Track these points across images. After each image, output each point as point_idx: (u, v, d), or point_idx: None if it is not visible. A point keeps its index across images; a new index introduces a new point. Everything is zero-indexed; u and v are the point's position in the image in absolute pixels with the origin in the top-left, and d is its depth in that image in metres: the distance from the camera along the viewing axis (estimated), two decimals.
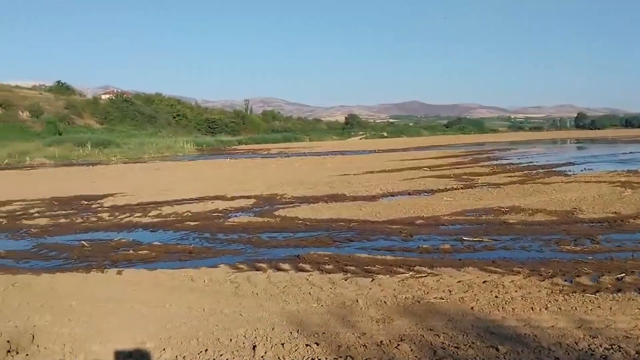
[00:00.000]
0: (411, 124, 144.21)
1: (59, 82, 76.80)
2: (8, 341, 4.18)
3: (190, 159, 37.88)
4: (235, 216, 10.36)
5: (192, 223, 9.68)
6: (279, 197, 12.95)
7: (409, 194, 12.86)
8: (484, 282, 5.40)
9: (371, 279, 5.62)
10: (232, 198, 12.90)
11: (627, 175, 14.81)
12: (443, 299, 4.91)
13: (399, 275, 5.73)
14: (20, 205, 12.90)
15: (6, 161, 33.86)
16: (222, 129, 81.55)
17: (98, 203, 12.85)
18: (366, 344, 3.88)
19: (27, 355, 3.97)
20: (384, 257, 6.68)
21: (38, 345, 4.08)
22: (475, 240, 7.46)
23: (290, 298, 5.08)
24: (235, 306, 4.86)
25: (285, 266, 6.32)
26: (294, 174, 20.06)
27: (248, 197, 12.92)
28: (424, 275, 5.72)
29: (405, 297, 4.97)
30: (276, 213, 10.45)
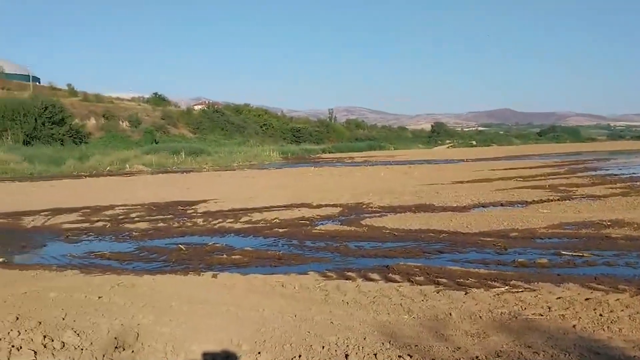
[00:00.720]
0: (501, 132, 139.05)
1: (155, 94, 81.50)
2: (115, 338, 4.47)
3: (276, 167, 38.84)
4: (322, 224, 10.50)
5: (280, 230, 9.92)
6: (365, 206, 12.96)
7: (502, 205, 12.43)
8: (587, 299, 5.11)
9: (464, 292, 5.48)
10: (318, 206, 13.08)
11: None
12: (542, 315, 4.71)
13: (494, 290, 5.55)
14: (122, 209, 13.75)
15: (108, 168, 36.31)
16: (307, 138, 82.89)
17: (192, 209, 13.48)
18: (460, 359, 3.79)
19: (132, 352, 4.21)
20: (477, 270, 6.51)
21: (142, 343, 4.33)
22: (575, 255, 7.08)
23: (381, 308, 5.07)
24: (326, 314, 4.92)
25: (375, 276, 6.32)
26: (380, 182, 19.98)
27: (334, 206, 13.04)
28: (520, 290, 5.51)
29: (501, 312, 4.81)
30: (363, 222, 10.47)
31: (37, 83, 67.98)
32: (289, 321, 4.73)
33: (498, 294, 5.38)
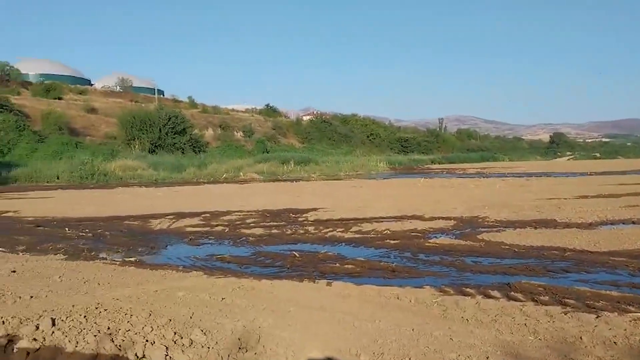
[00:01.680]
0: (629, 143, 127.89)
1: (267, 105, 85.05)
2: (239, 339, 4.65)
3: (383, 177, 38.68)
4: (435, 237, 10.25)
5: (391, 241, 9.83)
6: (480, 219, 12.49)
7: (633, 222, 11.39)
8: None
9: (596, 316, 5.07)
10: (431, 218, 12.80)
11: None
12: None
13: (630, 314, 5.09)
14: (238, 215, 14.40)
15: (224, 175, 38.32)
16: (415, 148, 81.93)
17: (303, 216, 13.79)
18: None
19: (255, 354, 4.34)
20: (608, 292, 6.01)
21: (264, 346, 4.45)
22: None
23: (504, 327, 4.84)
24: (445, 330, 4.78)
25: (495, 293, 6.04)
26: (495, 195, 19.17)
27: (447, 218, 12.69)
28: None
29: None
30: (479, 236, 10.08)
31: (162, 96, 73.66)
32: (406, 335, 4.65)
33: (635, 320, 4.92)
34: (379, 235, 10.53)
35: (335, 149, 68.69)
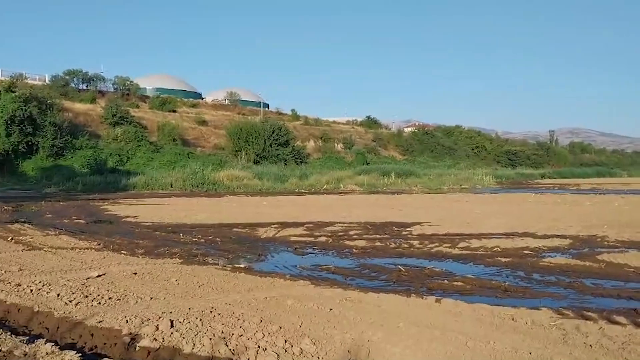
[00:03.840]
0: None
1: (368, 117, 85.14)
2: (348, 351, 4.67)
3: (490, 191, 37.23)
4: (550, 256, 9.67)
5: (502, 259, 9.41)
6: (599, 239, 11.61)
7: None
8: None
9: None
10: (544, 236, 12.10)
11: None
12: None
13: None
14: (341, 226, 14.49)
15: (325, 186, 38.85)
16: (524, 162, 78.21)
17: (407, 230, 13.60)
18: None
19: None
20: None
21: None
22: None
23: (633, 356, 4.46)
24: (566, 355, 4.50)
25: (620, 319, 5.58)
26: (614, 213, 17.75)
27: (562, 237, 11.93)
28: None
29: None
30: (599, 257, 9.37)
31: (267, 109, 76.48)
32: (524, 358, 4.42)
33: None
34: (489, 252, 10.13)
35: (438, 161, 67.26)
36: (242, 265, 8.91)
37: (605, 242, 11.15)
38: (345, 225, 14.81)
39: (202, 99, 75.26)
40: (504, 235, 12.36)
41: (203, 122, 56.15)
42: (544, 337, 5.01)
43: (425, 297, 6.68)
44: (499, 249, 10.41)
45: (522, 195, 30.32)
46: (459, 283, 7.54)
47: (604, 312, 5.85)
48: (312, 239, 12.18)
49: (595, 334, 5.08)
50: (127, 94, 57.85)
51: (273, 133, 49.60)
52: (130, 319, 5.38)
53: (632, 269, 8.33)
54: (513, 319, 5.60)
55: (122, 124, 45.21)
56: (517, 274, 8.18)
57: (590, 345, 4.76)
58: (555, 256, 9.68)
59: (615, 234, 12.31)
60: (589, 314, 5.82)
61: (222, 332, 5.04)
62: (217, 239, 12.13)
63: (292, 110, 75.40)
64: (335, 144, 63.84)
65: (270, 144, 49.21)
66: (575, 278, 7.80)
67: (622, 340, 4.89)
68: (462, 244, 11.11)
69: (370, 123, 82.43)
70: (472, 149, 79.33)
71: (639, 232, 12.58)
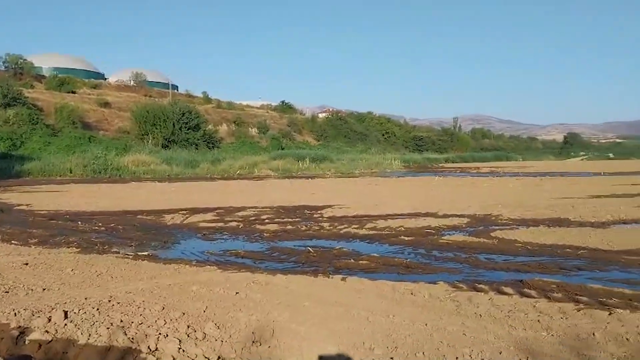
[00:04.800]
0: None
1: (283, 102, 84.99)
2: (253, 332, 4.68)
3: (398, 175, 38.60)
4: (449, 234, 10.22)
5: (406, 238, 9.82)
6: (494, 217, 12.42)
7: None
8: None
9: (608, 313, 5.07)
10: (445, 216, 12.76)
11: None
12: None
13: None
14: (253, 211, 14.41)
15: (238, 172, 38.42)
16: (430, 147, 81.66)
17: (318, 213, 13.80)
18: None
19: (269, 347, 4.36)
20: (621, 290, 6.00)
21: (278, 340, 4.47)
22: None
23: (517, 323, 4.83)
24: (458, 325, 4.78)
25: (508, 290, 6.02)
26: (509, 194, 19.05)
27: (461, 216, 12.64)
28: None
29: None
30: (492, 234, 10.04)
31: (176, 91, 73.87)
32: (420, 329, 4.65)
33: None
34: (394, 232, 10.52)
35: (351, 147, 68.60)
36: (145, 253, 8.62)
37: (499, 221, 11.94)
38: (258, 210, 14.75)
39: (105, 79, 71.37)
40: (408, 215, 12.89)
41: (106, 104, 53.25)
42: (439, 309, 5.30)
43: (332, 276, 6.83)
44: (403, 229, 10.84)
45: (427, 178, 31.72)
46: (365, 262, 7.77)
47: (494, 284, 6.29)
48: (222, 224, 12.01)
49: (485, 305, 5.44)
50: (20, 73, 53.63)
51: (183, 116, 47.92)
52: (19, 312, 5.05)
53: (520, 244, 8.99)
54: (412, 294, 5.87)
55: (14, 105, 41.58)
56: (418, 252, 8.57)
57: (480, 315, 5.10)
58: (454, 234, 10.25)
59: (508, 212, 13.21)
60: (481, 286, 6.23)
61: (121, 321, 4.86)
62: (120, 227, 11.65)
63: (204, 92, 73.55)
64: (250, 129, 63.13)
65: (180, 128, 47.52)
66: (470, 254, 8.30)
67: (509, 309, 5.28)
68: (369, 225, 11.45)
69: (285, 108, 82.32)
70: (383, 135, 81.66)
71: (529, 210, 13.59)
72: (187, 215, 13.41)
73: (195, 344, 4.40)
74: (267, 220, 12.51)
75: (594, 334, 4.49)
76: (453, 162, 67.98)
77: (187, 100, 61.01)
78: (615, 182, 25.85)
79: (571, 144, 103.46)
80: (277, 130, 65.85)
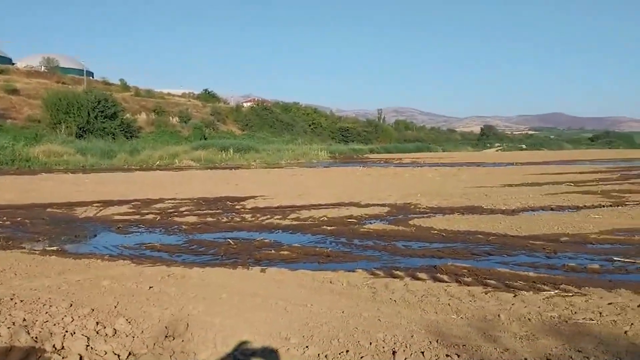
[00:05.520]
0: (552, 136, 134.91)
1: (205, 90, 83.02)
2: (166, 327, 4.54)
3: (324, 165, 38.93)
4: (370, 223, 10.43)
5: (328, 227, 9.91)
6: (413, 206, 12.81)
7: (552, 209, 12.04)
8: (639, 306, 4.92)
9: (513, 295, 5.37)
10: (367, 205, 13.01)
11: None
12: (593, 320, 4.56)
13: (544, 293, 5.42)
14: (172, 203, 14.02)
15: (158, 162, 37.21)
16: (355, 138, 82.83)
17: (241, 204, 13.65)
18: None
19: (182, 341, 4.26)
20: (526, 273, 6.37)
21: (192, 333, 4.38)
22: (628, 262, 6.83)
23: (429, 307, 4.99)
24: (374, 311, 4.88)
25: (423, 275, 6.23)
26: (428, 184, 19.73)
27: (382, 205, 12.94)
28: (570, 294, 5.37)
29: (551, 316, 4.68)
30: (411, 222, 10.35)
31: (91, 77, 70.19)
32: (337, 317, 4.70)
33: (548, 298, 5.25)
34: (316, 222, 10.59)
35: (277, 137, 68.18)
36: (54, 248, 8.16)
37: (418, 209, 12.33)
38: (177, 201, 14.37)
39: (13, 64, 66.66)
40: (331, 205, 13.02)
41: (14, 91, 49.69)
42: (356, 296, 5.38)
43: (251, 267, 6.77)
44: (326, 219, 10.94)
45: (352, 169, 32.20)
46: (286, 252, 7.76)
47: (410, 270, 6.49)
48: (138, 217, 11.58)
49: (400, 290, 5.59)
50: None
51: (98, 104, 45.44)
52: None
53: (436, 231, 9.33)
54: (331, 282, 5.93)
55: None
56: (340, 241, 8.69)
57: (395, 301, 5.23)
58: (375, 223, 10.47)
59: (426, 201, 13.68)
60: (398, 272, 6.40)
61: (24, 320, 4.56)
62: (27, 220, 10.94)
63: (121, 80, 70.22)
64: (171, 118, 61.12)
65: (95, 117, 45.04)
66: (389, 241, 8.51)
67: (422, 294, 5.45)
68: (292, 215, 11.46)
69: (208, 97, 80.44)
70: (309, 125, 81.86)
71: (446, 199, 14.14)
72: (100, 208, 12.83)
73: (105, 341, 4.21)
74: (186, 212, 12.20)
75: (499, 315, 4.71)
76: (377, 153, 69.42)
77: (103, 88, 58.22)
78: (526, 171, 27.50)
79: (487, 136, 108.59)
80: (200, 119, 64.22)
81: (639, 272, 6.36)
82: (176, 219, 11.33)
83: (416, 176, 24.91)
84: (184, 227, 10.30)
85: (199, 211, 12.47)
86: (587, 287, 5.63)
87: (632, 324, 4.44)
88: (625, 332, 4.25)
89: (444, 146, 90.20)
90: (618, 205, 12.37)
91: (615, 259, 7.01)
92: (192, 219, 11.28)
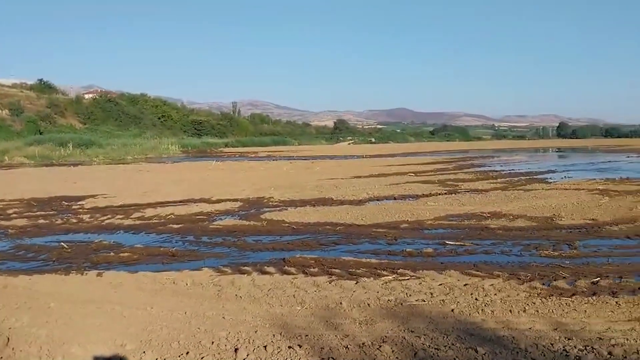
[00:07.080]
0: (398, 130, 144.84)
1: (40, 80, 75.65)
2: None
3: (175, 160, 37.57)
4: (221, 219, 10.26)
5: (175, 226, 9.56)
6: (266, 200, 12.88)
7: (395, 198, 12.88)
8: (465, 285, 5.47)
9: (355, 282, 5.62)
10: (218, 201, 12.79)
11: (605, 184, 15.20)
12: (425, 301, 4.94)
13: (383, 278, 5.76)
14: None
15: None
16: (209, 131, 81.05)
17: (79, 204, 12.65)
18: (348, 346, 3.86)
19: (1, 358, 3.84)
20: (368, 260, 6.70)
21: (13, 348, 3.96)
22: (458, 244, 7.53)
23: (274, 301, 5.03)
24: (218, 309, 4.79)
25: (270, 269, 6.27)
26: (282, 177, 19.99)
27: (234, 200, 12.82)
28: (406, 278, 5.76)
29: (388, 300, 4.98)
30: (262, 216, 10.38)
31: None
32: (178, 318, 4.53)
33: (386, 282, 5.58)
34: (162, 220, 10.16)
35: (123, 131, 64.20)
36: None
37: (270, 203, 12.42)
38: (4, 203, 12.95)
39: None
40: (180, 202, 12.59)
41: None
42: (200, 296, 5.25)
43: (86, 272, 6.30)
44: (173, 216, 10.54)
45: (205, 164, 31.51)
46: (127, 254, 7.34)
47: (258, 265, 6.49)
48: None
49: (247, 286, 5.56)
50: None
51: None
52: None
53: (287, 224, 9.47)
54: (174, 283, 5.71)
55: None
56: (187, 239, 8.42)
57: (241, 297, 5.19)
58: (225, 218, 10.33)
59: (279, 194, 13.84)
60: (246, 268, 6.37)
61: None
62: None
63: None
64: (0, 110, 54.79)
65: None
66: (239, 237, 8.45)
67: (269, 288, 5.47)
68: (136, 214, 10.88)
69: (44, 87, 73.24)
70: (159, 118, 78.26)
71: (298, 192, 14.44)
72: None
73: None
74: (14, 215, 11.04)
75: (341, 303, 4.90)
76: (233, 147, 68.71)
77: None
78: (374, 163, 29.14)
79: (340, 130, 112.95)
80: (35, 112, 58.28)
81: (467, 254, 7.01)
82: (1, 222, 10.18)
83: (271, 170, 25.12)
84: (10, 231, 9.32)
85: (29, 213, 11.33)
86: (421, 270, 6.07)
87: (458, 302, 4.88)
88: (452, 310, 4.65)
89: (300, 139, 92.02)
90: (452, 193, 13.60)
91: (447, 242, 7.65)
92: (21, 222, 10.22)
